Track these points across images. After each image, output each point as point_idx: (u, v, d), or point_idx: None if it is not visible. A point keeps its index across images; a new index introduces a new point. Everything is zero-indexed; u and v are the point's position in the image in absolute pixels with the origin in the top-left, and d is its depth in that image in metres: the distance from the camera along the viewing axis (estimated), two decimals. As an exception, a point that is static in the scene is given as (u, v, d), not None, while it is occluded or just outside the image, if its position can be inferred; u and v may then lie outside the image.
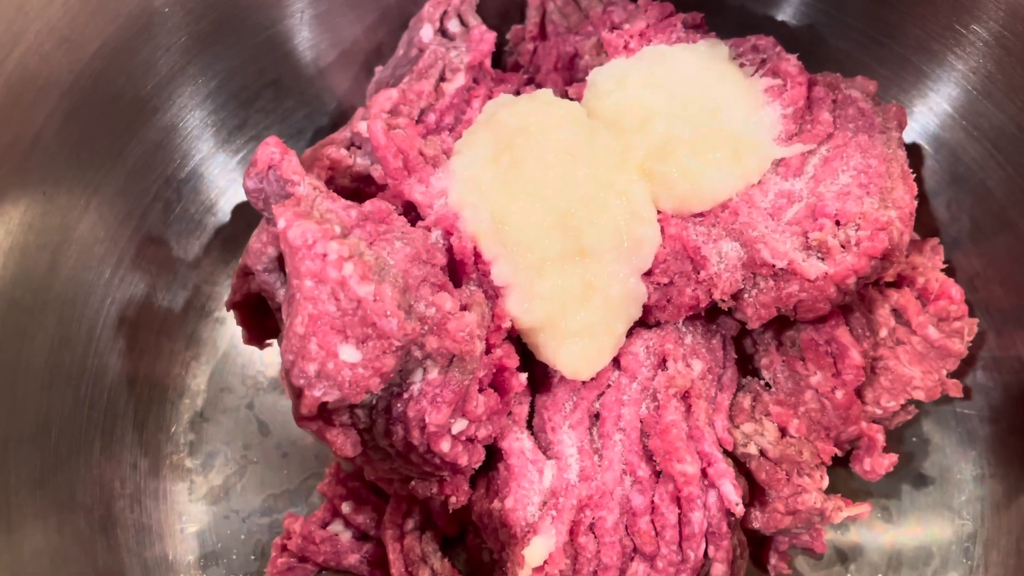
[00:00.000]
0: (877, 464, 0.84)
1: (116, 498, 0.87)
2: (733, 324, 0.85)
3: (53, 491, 0.79)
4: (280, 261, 0.78)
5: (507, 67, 1.05)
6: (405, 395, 0.71)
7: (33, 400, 0.79)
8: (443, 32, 0.96)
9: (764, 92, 0.85)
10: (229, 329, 0.99)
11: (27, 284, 0.78)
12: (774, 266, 0.76)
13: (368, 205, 0.74)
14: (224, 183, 0.99)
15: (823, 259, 0.76)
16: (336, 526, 0.88)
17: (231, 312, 0.88)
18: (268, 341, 0.90)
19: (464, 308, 0.72)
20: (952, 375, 0.89)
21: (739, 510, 0.76)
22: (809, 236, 0.77)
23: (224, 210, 1.00)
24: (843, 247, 0.76)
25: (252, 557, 0.91)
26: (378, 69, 0.99)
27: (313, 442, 0.94)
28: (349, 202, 0.73)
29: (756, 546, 0.88)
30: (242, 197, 1.00)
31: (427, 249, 0.73)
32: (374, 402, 0.71)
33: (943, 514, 0.93)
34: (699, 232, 0.79)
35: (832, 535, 0.91)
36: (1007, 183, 0.91)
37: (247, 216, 0.98)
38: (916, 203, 0.82)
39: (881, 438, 0.85)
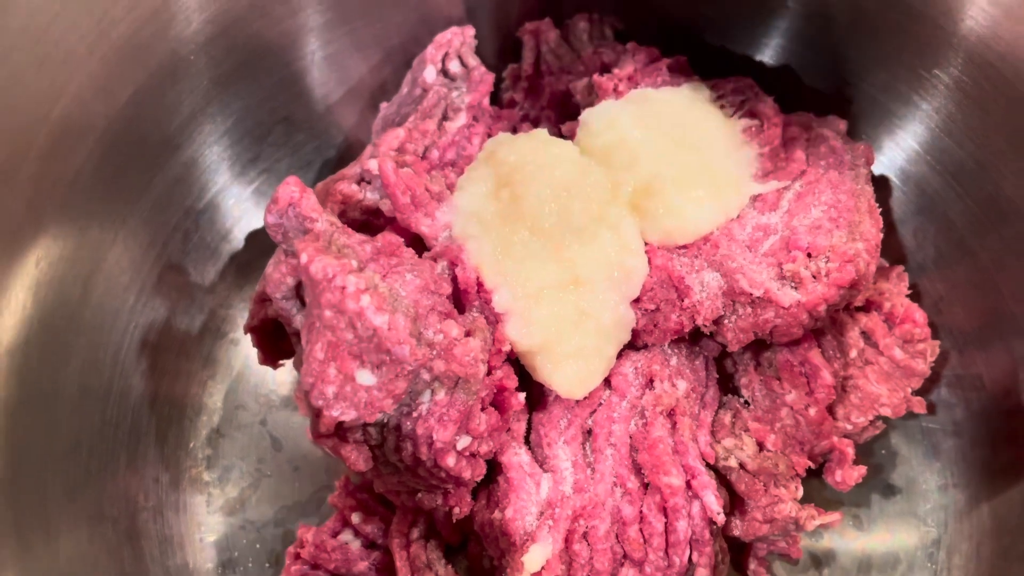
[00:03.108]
0: (847, 476, 0.90)
1: (140, 510, 0.92)
2: (715, 346, 0.92)
3: (84, 504, 0.85)
4: (297, 289, 0.84)
5: (504, 103, 1.11)
6: (414, 414, 0.77)
7: (65, 421, 0.84)
8: (445, 72, 1.03)
9: (743, 132, 0.92)
10: (243, 350, 1.05)
11: (63, 312, 0.84)
12: (751, 295, 0.83)
13: (380, 239, 0.80)
14: (239, 213, 1.05)
15: (796, 288, 0.83)
16: (346, 535, 0.92)
17: (246, 334, 0.93)
18: (281, 362, 0.96)
19: (468, 334, 0.78)
20: (917, 392, 0.95)
21: (720, 519, 0.82)
22: (783, 267, 0.84)
23: (238, 238, 1.06)
24: (814, 277, 0.83)
25: (267, 565, 0.97)
26: (383, 105, 1.05)
27: (323, 456, 0.99)
28: (363, 236, 0.80)
29: (737, 552, 0.94)
30: (255, 225, 1.06)
31: (434, 280, 0.79)
32: (386, 420, 0.78)
33: (909, 521, 0.99)
34: (683, 263, 0.85)
35: (807, 542, 0.98)
36: (967, 214, 0.98)
37: (260, 243, 1.05)
38: (882, 235, 0.90)
39: (851, 451, 0.91)
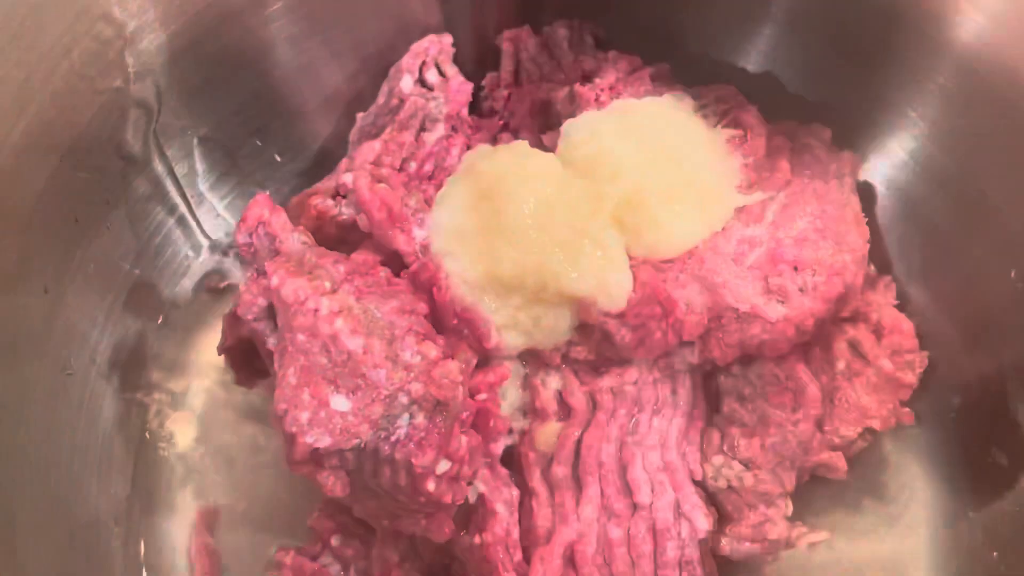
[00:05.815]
0: None
1: (112, 537, 0.89)
2: (702, 362, 0.90)
3: (53, 531, 0.82)
4: (269, 310, 0.81)
5: (483, 111, 1.08)
6: (392, 438, 0.75)
7: (33, 448, 0.81)
8: (422, 82, 1.01)
9: (727, 142, 0.90)
10: (218, 369, 1.02)
11: (25, 335, 0.81)
12: (737, 310, 0.81)
13: (355, 257, 0.78)
14: (212, 227, 1.03)
15: (783, 303, 0.82)
16: (325, 559, 0.90)
17: (219, 355, 0.91)
18: (258, 382, 0.94)
19: (448, 355, 0.76)
20: (907, 401, 0.94)
21: (709, 540, 0.81)
22: (769, 281, 0.82)
23: (212, 254, 1.04)
24: (801, 291, 0.82)
25: (244, 590, 0.94)
26: (359, 115, 1.03)
27: (302, 476, 0.97)
28: (337, 255, 0.77)
29: (726, 572, 0.92)
30: (229, 240, 1.04)
31: (411, 299, 0.77)
32: (363, 445, 0.75)
33: (902, 532, 0.97)
34: (668, 278, 0.83)
35: (798, 554, 0.95)
36: (952, 221, 0.97)
37: (235, 259, 1.03)
38: (868, 246, 0.88)
39: (843, 464, 0.89)
